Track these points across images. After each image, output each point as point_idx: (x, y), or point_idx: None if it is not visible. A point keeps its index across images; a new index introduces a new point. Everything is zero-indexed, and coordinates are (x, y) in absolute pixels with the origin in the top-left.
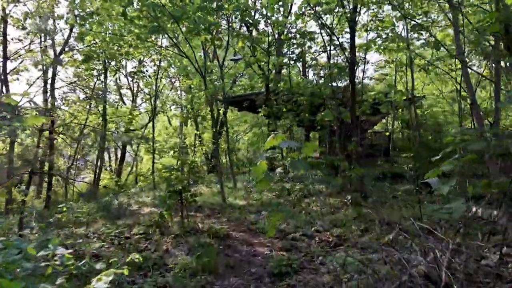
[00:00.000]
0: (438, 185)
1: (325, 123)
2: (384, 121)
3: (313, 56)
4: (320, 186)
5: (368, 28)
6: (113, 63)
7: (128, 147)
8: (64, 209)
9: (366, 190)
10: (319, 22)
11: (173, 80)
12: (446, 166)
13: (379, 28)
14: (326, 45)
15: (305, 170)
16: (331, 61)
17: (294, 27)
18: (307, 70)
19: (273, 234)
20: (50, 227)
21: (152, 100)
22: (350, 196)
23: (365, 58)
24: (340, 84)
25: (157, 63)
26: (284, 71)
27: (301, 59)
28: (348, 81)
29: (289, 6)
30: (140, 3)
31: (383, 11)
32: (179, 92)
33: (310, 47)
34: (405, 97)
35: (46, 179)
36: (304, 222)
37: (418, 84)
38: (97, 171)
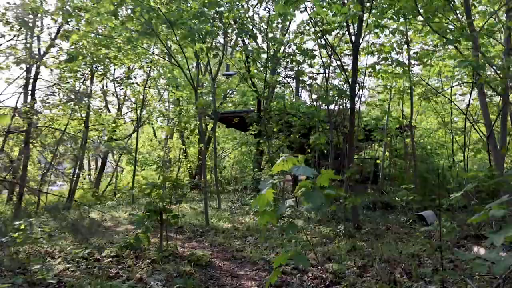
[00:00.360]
0: (434, 220)
1: (317, 146)
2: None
3: (312, 75)
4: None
5: (370, 50)
6: (100, 67)
7: (110, 157)
8: (22, 226)
9: (358, 220)
10: (320, 41)
11: (161, 91)
12: (496, 211)
13: (382, 52)
14: (325, 65)
15: (321, 204)
16: (329, 83)
17: (291, 45)
18: (301, 90)
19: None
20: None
21: (138, 110)
22: (342, 226)
23: (363, 82)
24: (335, 107)
25: (147, 71)
26: (277, 90)
27: (296, 78)
28: (343, 104)
29: (288, 24)
30: (133, 3)
31: (385, 35)
32: (166, 104)
33: (310, 65)
34: (398, 125)
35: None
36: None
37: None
38: (73, 180)
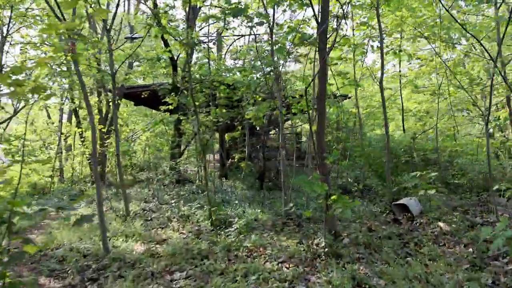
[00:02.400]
0: (419, 209)
1: (258, 122)
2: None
3: (254, 33)
4: (255, 210)
5: None
6: None
7: None
8: None
9: (335, 224)
10: None
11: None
12: None
13: None
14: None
15: None
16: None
17: None
18: (224, 54)
19: None
20: None
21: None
22: (322, 239)
23: (338, 24)
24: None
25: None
26: (197, 55)
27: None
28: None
29: None
30: None
31: None
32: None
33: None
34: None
35: None
36: None
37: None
38: None
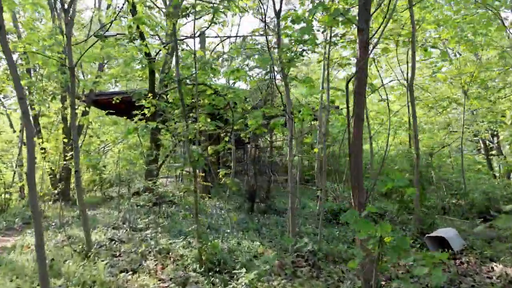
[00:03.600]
0: (461, 243)
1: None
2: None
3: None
4: (253, 243)
5: None
6: None
7: None
8: None
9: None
10: None
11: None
12: None
13: None
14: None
15: None
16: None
17: None
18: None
19: None
20: None
21: None
22: None
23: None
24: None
25: None
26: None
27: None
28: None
29: None
30: None
31: None
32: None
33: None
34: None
35: None
36: None
37: None
38: None
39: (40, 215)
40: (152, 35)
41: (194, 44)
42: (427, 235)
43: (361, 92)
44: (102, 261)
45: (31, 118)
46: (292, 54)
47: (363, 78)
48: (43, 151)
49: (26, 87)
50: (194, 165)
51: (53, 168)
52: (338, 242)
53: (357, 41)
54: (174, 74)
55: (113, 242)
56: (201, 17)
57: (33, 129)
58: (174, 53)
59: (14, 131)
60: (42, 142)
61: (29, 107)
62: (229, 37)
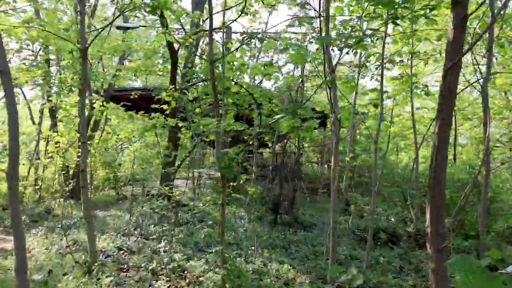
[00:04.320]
0: None
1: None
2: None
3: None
4: (283, 266)
5: None
6: None
7: None
8: None
9: None
10: None
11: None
12: None
13: None
14: None
15: None
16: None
17: None
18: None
19: None
20: None
21: None
22: None
23: None
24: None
25: None
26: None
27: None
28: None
29: None
30: None
31: None
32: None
33: None
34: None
35: None
36: None
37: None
38: None
39: (20, 222)
40: (177, 27)
41: (223, 35)
42: (499, 271)
43: (453, 89)
44: (107, 277)
45: (22, 99)
46: (352, 33)
47: (457, 68)
48: (57, 145)
49: (42, 77)
50: (224, 172)
51: (66, 164)
52: (383, 270)
53: (451, 16)
54: (197, 68)
55: (122, 252)
56: (231, 8)
57: (15, 108)
58: (208, 32)
59: (34, 123)
60: (59, 136)
61: (46, 99)
62: (256, 33)
